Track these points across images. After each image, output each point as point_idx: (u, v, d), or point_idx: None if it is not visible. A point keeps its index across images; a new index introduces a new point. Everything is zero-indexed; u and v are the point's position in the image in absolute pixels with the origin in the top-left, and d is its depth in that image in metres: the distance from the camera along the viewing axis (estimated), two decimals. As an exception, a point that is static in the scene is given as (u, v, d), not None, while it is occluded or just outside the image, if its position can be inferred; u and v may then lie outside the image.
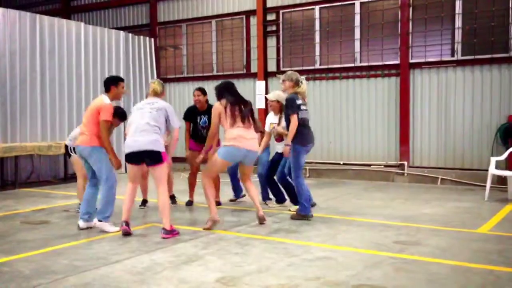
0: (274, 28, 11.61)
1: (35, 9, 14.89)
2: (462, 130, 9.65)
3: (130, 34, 12.55)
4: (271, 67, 11.65)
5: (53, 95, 10.61)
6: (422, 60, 9.96)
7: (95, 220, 5.81)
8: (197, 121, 7.42)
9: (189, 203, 7.56)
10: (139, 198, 7.27)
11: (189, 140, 7.50)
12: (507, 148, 8.59)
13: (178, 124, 5.86)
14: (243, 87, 10.98)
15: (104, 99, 5.85)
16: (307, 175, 10.75)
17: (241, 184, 7.26)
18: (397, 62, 10.17)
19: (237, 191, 7.83)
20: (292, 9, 11.37)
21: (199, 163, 6.60)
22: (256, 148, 6.04)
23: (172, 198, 7.46)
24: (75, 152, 6.81)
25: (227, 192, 8.01)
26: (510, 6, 9.14)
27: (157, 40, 13.37)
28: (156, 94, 5.93)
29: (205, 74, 12.64)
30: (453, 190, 9.01)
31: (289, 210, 6.95)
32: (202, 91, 7.41)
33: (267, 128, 7.34)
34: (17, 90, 9.94)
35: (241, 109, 5.94)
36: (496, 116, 9.31)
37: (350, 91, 10.73)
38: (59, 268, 4.42)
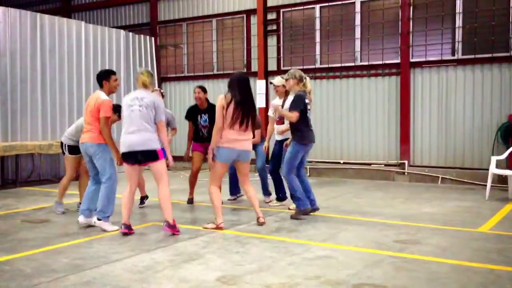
0: (274, 27, 11.61)
1: (35, 8, 14.90)
2: (462, 129, 9.65)
3: (131, 33, 12.54)
4: (272, 66, 11.66)
5: (54, 94, 10.61)
6: (423, 59, 9.96)
7: (95, 219, 5.82)
8: (197, 120, 7.42)
9: (190, 201, 7.57)
10: (137, 197, 7.29)
11: (191, 140, 7.50)
12: (507, 147, 8.59)
13: (163, 118, 5.60)
14: (243, 86, 10.97)
15: (101, 96, 5.84)
16: (308, 174, 10.75)
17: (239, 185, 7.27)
18: (398, 61, 10.18)
19: (234, 190, 7.83)
20: (293, 8, 11.37)
21: (210, 162, 6.03)
22: (249, 148, 5.97)
23: (143, 199, 7.42)
24: (69, 151, 6.82)
25: (227, 192, 8.01)
26: (511, 5, 9.13)
27: (158, 39, 13.38)
28: (146, 86, 5.64)
29: (205, 73, 12.64)
30: (453, 189, 9.01)
31: (289, 209, 6.95)
32: (203, 89, 7.44)
33: (270, 113, 7.33)
34: (18, 89, 9.94)
35: (243, 113, 5.76)
36: (496, 115, 9.31)
37: (350, 90, 10.74)
38: (59, 266, 4.42)
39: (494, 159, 8.03)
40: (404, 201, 7.75)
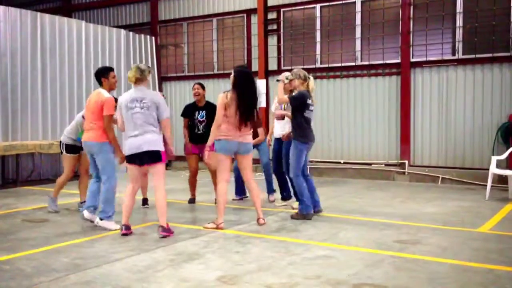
0: (275, 26, 11.61)
1: (36, 7, 14.87)
2: (463, 129, 9.64)
3: (131, 33, 12.54)
4: (272, 66, 11.65)
5: (54, 93, 10.61)
6: (423, 59, 9.95)
7: (97, 219, 5.82)
8: (194, 116, 7.40)
9: (191, 201, 7.58)
10: (139, 197, 7.29)
11: (188, 134, 7.48)
12: (508, 147, 8.59)
13: (167, 115, 5.56)
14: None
15: (103, 93, 5.84)
16: (308, 174, 10.75)
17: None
18: (398, 61, 10.17)
19: (240, 191, 7.83)
20: (293, 8, 11.37)
21: (206, 160, 6.08)
22: (249, 140, 5.94)
23: (145, 201, 7.40)
24: (66, 150, 6.82)
25: (231, 192, 7.98)
26: (511, 5, 9.13)
27: (158, 38, 13.37)
28: (141, 81, 5.46)
29: (206, 73, 12.63)
30: (453, 189, 9.01)
31: (292, 208, 6.95)
32: (202, 86, 7.49)
33: (273, 109, 7.37)
34: (18, 88, 9.94)
35: (242, 114, 5.71)
36: (497, 115, 9.30)
37: (350, 90, 10.73)
38: (60, 266, 4.42)
39: (494, 159, 8.03)
40: (404, 201, 7.75)
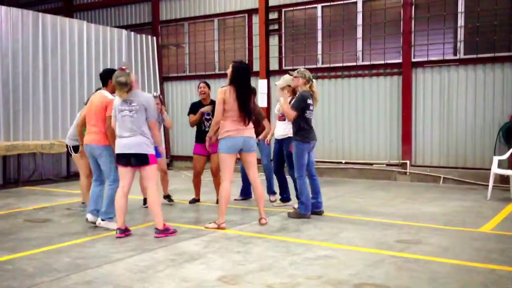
0: (276, 26, 11.60)
1: (37, 7, 14.89)
2: (464, 129, 9.63)
3: (132, 33, 12.55)
4: (273, 66, 11.64)
5: (56, 93, 10.63)
6: (425, 59, 9.94)
7: (99, 220, 5.82)
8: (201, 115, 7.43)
9: (193, 201, 7.58)
10: (139, 197, 7.30)
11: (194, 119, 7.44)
12: (509, 147, 8.58)
13: (154, 117, 5.54)
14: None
15: (107, 95, 5.84)
16: (309, 174, 10.75)
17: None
18: (400, 61, 10.16)
19: (244, 192, 7.83)
20: (294, 8, 11.36)
21: (208, 145, 6.18)
22: (251, 135, 5.96)
23: (168, 197, 7.50)
24: (74, 151, 6.84)
25: (236, 192, 7.98)
26: (513, 5, 9.13)
27: (159, 38, 13.38)
28: (130, 89, 5.37)
29: (207, 73, 12.62)
30: (455, 189, 9.00)
31: (293, 208, 6.95)
32: (207, 84, 7.60)
33: (276, 110, 7.42)
34: (20, 88, 9.96)
35: (243, 106, 5.77)
36: (498, 115, 9.29)
37: (352, 90, 10.73)
38: (61, 266, 4.43)
39: (496, 159, 8.02)
40: (405, 201, 7.74)
